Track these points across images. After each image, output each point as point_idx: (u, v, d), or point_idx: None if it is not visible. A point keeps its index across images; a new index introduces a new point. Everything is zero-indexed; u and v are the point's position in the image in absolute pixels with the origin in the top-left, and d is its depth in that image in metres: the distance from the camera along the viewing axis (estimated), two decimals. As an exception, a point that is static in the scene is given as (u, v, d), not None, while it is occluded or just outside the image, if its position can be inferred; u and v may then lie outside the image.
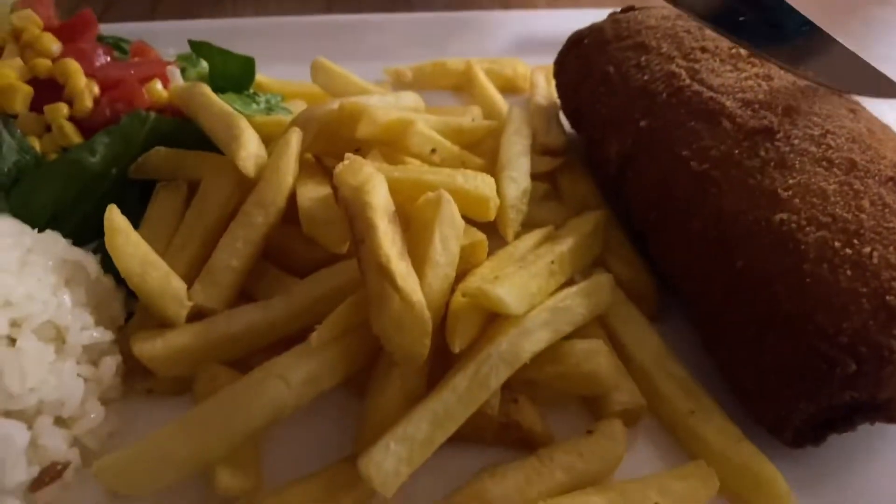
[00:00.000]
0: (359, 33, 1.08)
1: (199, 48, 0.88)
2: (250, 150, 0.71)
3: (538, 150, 0.86)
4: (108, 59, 0.87)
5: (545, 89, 0.96)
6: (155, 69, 0.87)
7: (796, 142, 0.66)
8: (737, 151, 0.66)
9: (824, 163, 0.64)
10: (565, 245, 0.68)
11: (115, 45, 0.92)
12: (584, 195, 0.82)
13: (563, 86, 0.90)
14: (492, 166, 0.79)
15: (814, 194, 0.62)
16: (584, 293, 0.64)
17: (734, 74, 0.74)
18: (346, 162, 0.66)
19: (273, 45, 1.06)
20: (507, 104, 0.94)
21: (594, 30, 0.87)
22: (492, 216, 0.68)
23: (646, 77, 0.77)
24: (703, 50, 0.77)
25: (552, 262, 0.64)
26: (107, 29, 0.93)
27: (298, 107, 0.91)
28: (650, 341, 0.66)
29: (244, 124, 0.74)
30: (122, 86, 0.84)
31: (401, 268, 0.58)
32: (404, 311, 0.56)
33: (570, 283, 0.68)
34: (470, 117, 0.90)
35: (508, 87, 1.01)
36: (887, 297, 0.56)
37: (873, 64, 0.74)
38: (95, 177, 0.76)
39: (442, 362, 0.59)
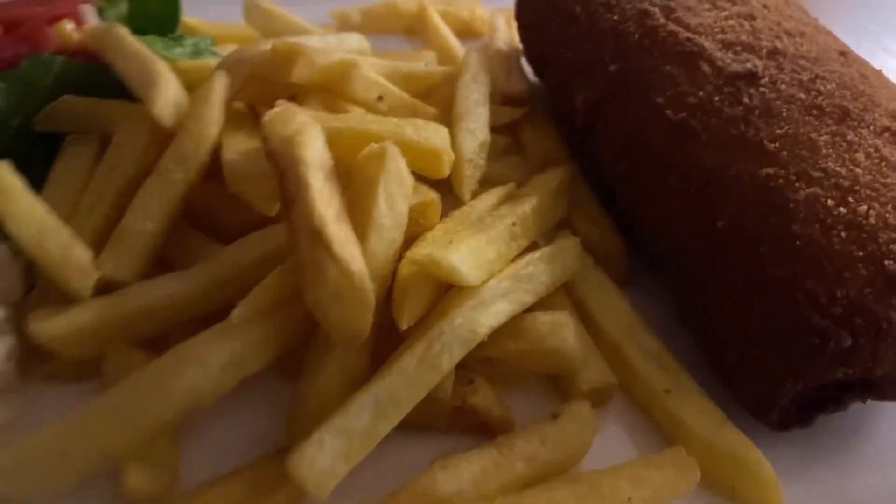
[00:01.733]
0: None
1: (114, -17, 0.78)
2: (168, 98, 0.62)
3: (498, 99, 0.78)
4: (11, -6, 0.77)
5: (506, 33, 0.88)
6: (66, 8, 0.77)
7: (783, 87, 0.59)
8: (717, 98, 0.59)
9: (814, 111, 0.58)
10: (527, 205, 0.60)
11: (19, -20, 0.82)
12: (549, 149, 0.75)
13: (525, 28, 0.82)
14: (446, 116, 0.71)
15: (803, 146, 0.55)
16: (549, 259, 0.57)
17: (713, 14, 0.67)
18: (276, 109, 0.57)
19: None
20: (464, 49, 0.86)
21: (559, -35, 0.79)
22: (446, 172, 0.61)
23: (616, 17, 0.69)
24: (680, -14, 0.70)
25: (513, 225, 0.57)
26: (11, -40, 0.82)
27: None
28: (621, 311, 0.59)
29: (162, 68, 0.64)
30: (27, 26, 0.74)
31: (338, 232, 0.50)
32: (342, 283, 0.48)
33: (532, 247, 0.61)
34: (423, 63, 0.81)
35: (466, 31, 0.92)
36: (886, 262, 0.50)
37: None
38: (-8, 128, 0.67)
39: (388, 340, 0.52)
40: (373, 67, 0.71)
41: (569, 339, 0.53)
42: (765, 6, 0.68)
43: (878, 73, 0.64)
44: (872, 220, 0.51)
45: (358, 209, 0.54)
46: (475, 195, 0.65)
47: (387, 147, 0.54)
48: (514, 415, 0.54)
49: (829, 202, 0.52)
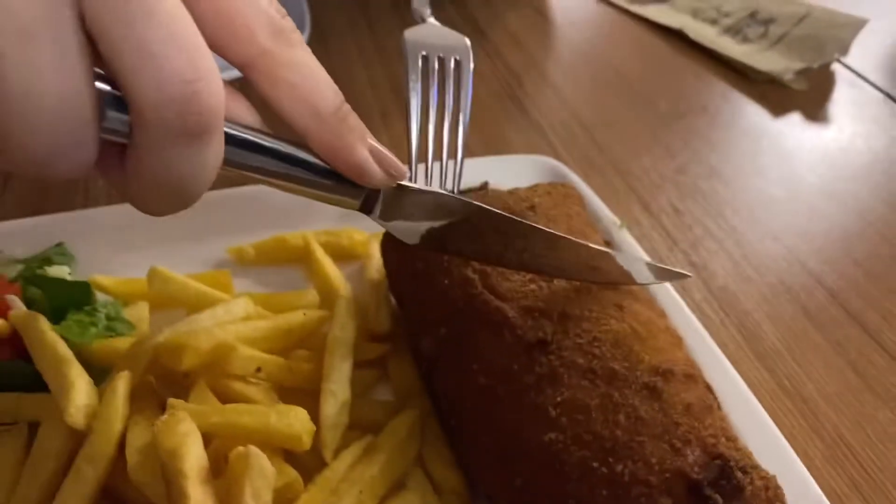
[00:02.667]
0: (204, 209, 1.12)
1: (35, 280, 0.92)
2: (79, 403, 0.76)
3: (366, 335, 0.93)
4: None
5: (378, 261, 1.03)
6: (-9, 300, 0.91)
7: (566, 353, 0.74)
8: (516, 367, 0.75)
9: (589, 374, 0.73)
10: (377, 464, 0.75)
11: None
12: (411, 381, 0.90)
13: (387, 268, 0.97)
14: (321, 361, 0.86)
15: (579, 410, 0.71)
16: (391, 518, 0.72)
17: (519, 276, 0.82)
18: (164, 418, 0.72)
19: (125, 230, 1.10)
20: (343, 281, 1.01)
21: (407, 220, 0.95)
22: (307, 447, 0.75)
23: (446, 282, 0.84)
24: (496, 248, 0.85)
25: (360, 493, 0.72)
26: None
27: (140, 311, 0.96)
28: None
29: (74, 373, 0.78)
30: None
31: (212, 536, 0.64)
32: (216, 582, 0.62)
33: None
34: (305, 305, 0.97)
35: (346, 256, 1.08)
36: (636, 515, 0.65)
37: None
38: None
39: None
40: (254, 332, 0.87)
41: None
42: (563, 262, 0.84)
43: (650, 322, 0.79)
44: (627, 478, 0.66)
45: (230, 501, 0.68)
46: (340, 448, 0.79)
47: (250, 451, 0.69)
48: None
49: (595, 464, 0.67)
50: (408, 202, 0.72)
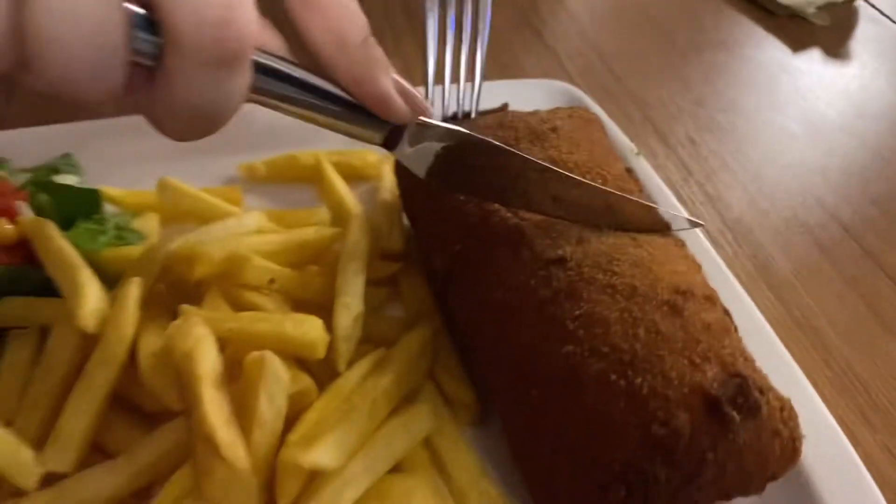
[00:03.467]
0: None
1: (44, 187, 0.90)
2: (90, 307, 0.75)
3: (379, 253, 0.92)
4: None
5: (390, 181, 1.01)
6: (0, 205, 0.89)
7: (585, 270, 0.73)
8: (533, 282, 0.73)
9: (609, 290, 0.72)
10: (389, 376, 0.75)
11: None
12: (422, 299, 0.89)
13: (401, 188, 0.95)
14: (334, 276, 0.85)
15: (597, 324, 0.70)
16: (403, 426, 0.71)
17: (539, 195, 0.81)
18: (177, 322, 0.71)
19: (134, 142, 1.07)
20: (355, 201, 1.00)
21: (423, 137, 0.93)
22: (322, 355, 0.74)
23: (462, 199, 0.82)
24: (514, 166, 0.84)
25: (374, 402, 0.71)
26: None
27: (150, 222, 0.95)
28: (468, 462, 0.73)
29: (85, 277, 0.77)
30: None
31: (226, 436, 0.64)
32: (230, 478, 0.62)
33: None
34: (316, 222, 0.95)
35: (357, 176, 1.06)
36: (653, 427, 0.65)
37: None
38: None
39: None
40: (268, 245, 0.85)
41: (418, 500, 0.68)
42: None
43: (665, 247, 0.78)
44: (645, 391, 0.66)
45: (245, 405, 0.68)
46: (353, 360, 0.79)
47: (265, 355, 0.68)
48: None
49: (613, 376, 0.67)
50: (429, 140, 0.72)
